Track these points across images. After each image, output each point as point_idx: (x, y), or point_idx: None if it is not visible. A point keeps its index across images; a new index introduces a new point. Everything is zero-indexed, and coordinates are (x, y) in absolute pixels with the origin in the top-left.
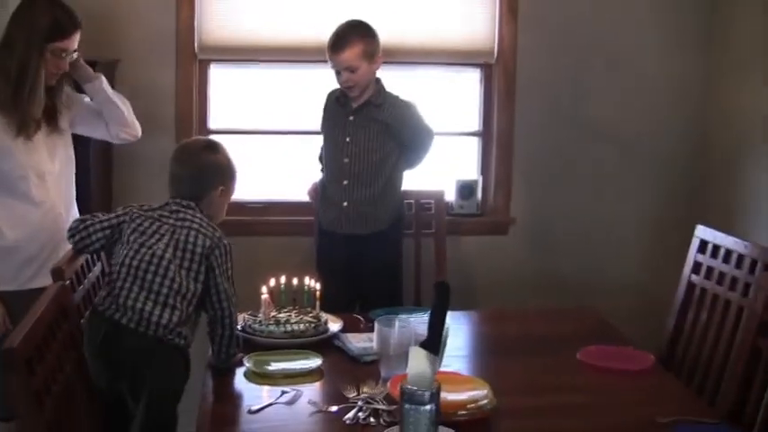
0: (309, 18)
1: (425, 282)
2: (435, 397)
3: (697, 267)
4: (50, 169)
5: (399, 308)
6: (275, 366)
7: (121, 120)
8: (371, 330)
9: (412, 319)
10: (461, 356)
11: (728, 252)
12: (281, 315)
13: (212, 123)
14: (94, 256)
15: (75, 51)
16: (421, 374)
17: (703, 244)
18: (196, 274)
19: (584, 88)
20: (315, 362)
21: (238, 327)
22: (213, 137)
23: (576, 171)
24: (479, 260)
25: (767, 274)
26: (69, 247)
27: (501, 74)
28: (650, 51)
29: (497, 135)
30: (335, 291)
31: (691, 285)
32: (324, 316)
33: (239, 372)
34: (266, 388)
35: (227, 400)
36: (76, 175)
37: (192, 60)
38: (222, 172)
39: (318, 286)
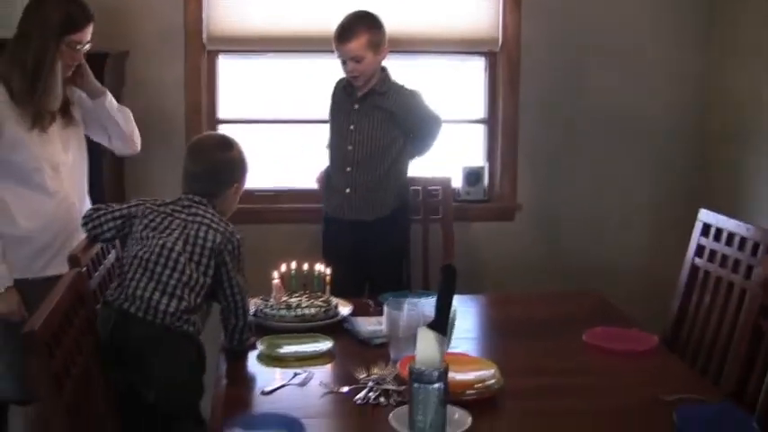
0: (316, 8)
1: (433, 266)
2: (443, 376)
3: (700, 250)
4: (64, 160)
5: (408, 292)
6: (287, 349)
7: (122, 136)
8: (381, 314)
9: (420, 302)
10: (469, 338)
11: (731, 235)
12: (292, 300)
13: (221, 113)
14: (109, 245)
15: (88, 43)
16: (429, 355)
17: (706, 227)
18: (205, 268)
19: (588, 75)
20: (326, 345)
21: (250, 311)
22: (222, 126)
23: (580, 157)
24: (486, 245)
25: None
26: (82, 236)
27: (505, 62)
28: (652, 38)
29: (502, 122)
30: (343, 276)
31: (694, 268)
32: (334, 300)
33: (252, 355)
34: (278, 370)
35: (241, 383)
36: (89, 166)
37: (201, 51)
38: (237, 169)
39: (329, 271)
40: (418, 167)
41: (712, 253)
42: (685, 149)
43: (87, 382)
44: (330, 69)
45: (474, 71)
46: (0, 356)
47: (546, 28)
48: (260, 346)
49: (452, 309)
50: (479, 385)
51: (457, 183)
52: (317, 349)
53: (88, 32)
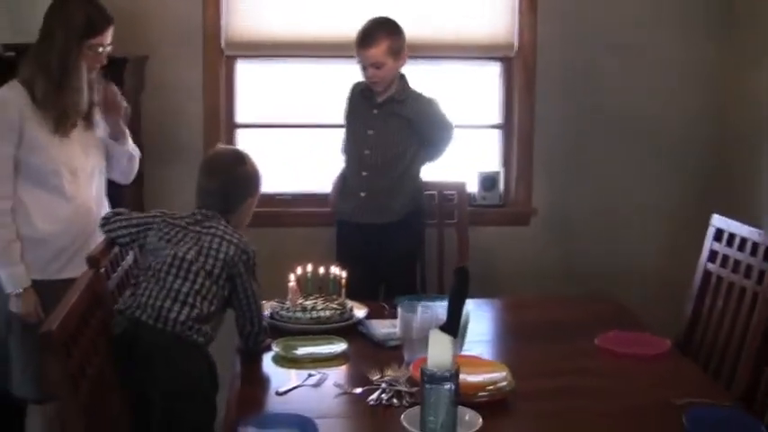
0: (334, 14)
1: (448, 270)
2: (454, 378)
3: (713, 256)
4: (83, 166)
5: (423, 295)
6: (302, 351)
7: (125, 172)
8: (395, 317)
9: (434, 305)
10: (483, 341)
11: (743, 240)
12: (307, 302)
13: (239, 117)
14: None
15: (109, 45)
16: (440, 356)
17: (719, 233)
18: (217, 278)
19: (604, 79)
20: (340, 347)
21: (266, 313)
22: (240, 130)
23: (595, 162)
24: (502, 250)
25: None
26: (99, 240)
27: (521, 67)
28: (669, 41)
29: (518, 127)
30: (357, 279)
31: (707, 273)
32: (349, 303)
33: (267, 356)
34: (293, 371)
35: (255, 383)
36: None
37: (219, 56)
38: (251, 185)
39: (344, 274)
40: (434, 172)
41: (725, 258)
42: (701, 153)
43: (102, 383)
44: (346, 74)
45: (490, 76)
46: (18, 356)
47: (561, 33)
48: (275, 348)
49: (465, 312)
50: (491, 387)
51: (473, 188)
52: (332, 351)
53: (109, 35)
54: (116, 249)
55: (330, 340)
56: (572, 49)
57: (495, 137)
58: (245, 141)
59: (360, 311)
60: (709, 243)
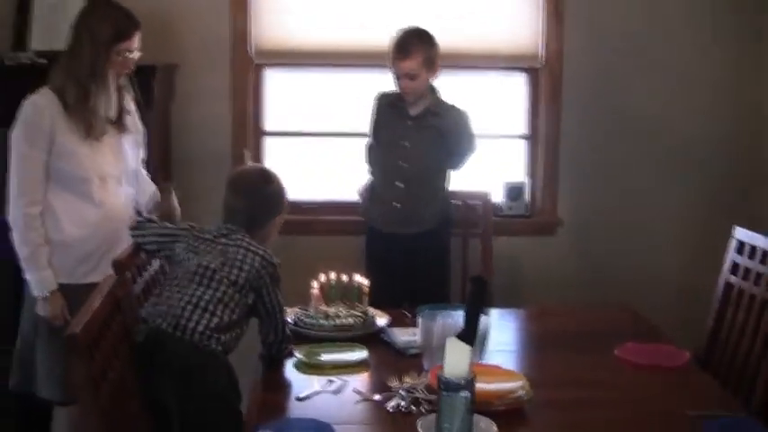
0: (360, 24)
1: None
2: (470, 385)
3: (735, 268)
4: (112, 172)
5: (446, 305)
6: (323, 358)
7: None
8: (417, 325)
9: (454, 314)
10: (505, 351)
11: (765, 253)
12: (330, 310)
13: (267, 125)
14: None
15: (137, 50)
16: (457, 364)
17: (740, 245)
18: (241, 288)
19: (629, 90)
20: (361, 354)
21: (290, 319)
22: (268, 138)
23: (621, 172)
24: (527, 260)
25: None
26: (126, 246)
27: (547, 77)
28: (695, 53)
29: (544, 138)
30: (385, 287)
31: (729, 286)
32: (371, 311)
33: (289, 362)
34: (314, 378)
35: (276, 389)
36: None
37: (248, 65)
38: (277, 204)
39: (366, 282)
40: (459, 182)
41: (747, 271)
42: (726, 165)
43: (122, 387)
44: (373, 83)
45: (516, 86)
46: (44, 359)
47: (588, 44)
48: (297, 355)
49: (486, 322)
50: (508, 396)
51: (498, 198)
52: (353, 358)
53: (136, 40)
54: (143, 255)
55: (352, 347)
56: (597, 59)
57: (521, 147)
58: (272, 149)
59: (382, 319)
60: (730, 255)
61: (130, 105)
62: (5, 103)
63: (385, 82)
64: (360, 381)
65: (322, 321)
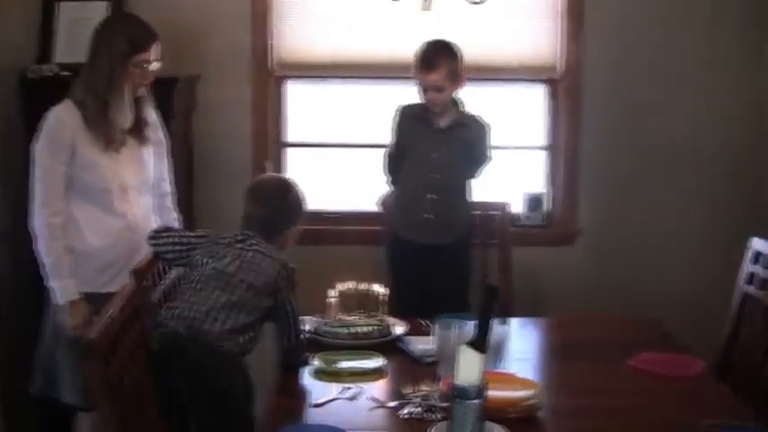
0: (380, 36)
1: None
2: (482, 392)
3: (751, 278)
4: (133, 183)
5: (465, 314)
6: (340, 365)
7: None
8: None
9: (471, 323)
10: (522, 360)
11: None
12: (348, 318)
13: (288, 137)
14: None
15: (156, 61)
16: (468, 372)
17: (757, 255)
18: (257, 291)
19: (648, 101)
20: (377, 362)
21: (308, 328)
22: (289, 149)
23: (640, 182)
24: (546, 270)
25: None
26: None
27: (566, 89)
28: (715, 65)
29: (564, 149)
30: (410, 297)
31: (745, 296)
32: (389, 320)
33: (306, 370)
34: (330, 385)
35: (292, 395)
36: None
37: (268, 77)
38: (294, 213)
39: (384, 291)
40: (479, 192)
41: (764, 281)
42: (747, 178)
43: (140, 392)
44: (394, 95)
45: (536, 97)
46: (67, 365)
47: (607, 55)
48: (314, 362)
49: (502, 330)
50: (521, 404)
51: (518, 208)
52: (369, 366)
53: (154, 51)
54: (161, 263)
55: (369, 355)
56: (617, 70)
57: (541, 158)
58: (293, 160)
59: (399, 328)
60: (746, 265)
61: (152, 116)
62: (29, 115)
63: (404, 93)
64: (375, 388)
65: (340, 330)
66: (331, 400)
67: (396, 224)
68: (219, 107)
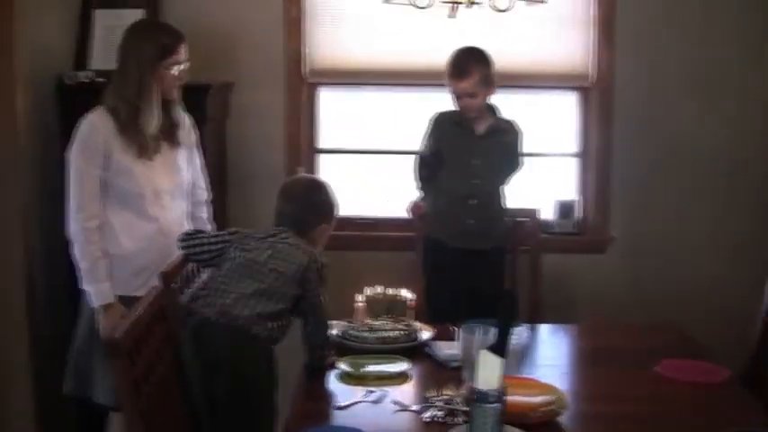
0: (412, 44)
1: (521, 298)
2: (501, 396)
3: None
4: (166, 187)
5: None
6: (366, 369)
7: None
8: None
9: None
10: (549, 366)
11: None
12: (375, 323)
13: (320, 143)
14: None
15: (186, 61)
16: (488, 376)
17: None
18: (288, 280)
19: (681, 111)
20: (403, 366)
21: (336, 332)
22: (321, 156)
23: (671, 190)
24: (578, 277)
25: None
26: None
27: (598, 97)
28: (747, 74)
29: (595, 156)
30: (442, 302)
31: None
32: (416, 324)
33: (332, 374)
34: (355, 388)
35: (317, 398)
36: None
37: (301, 83)
38: (324, 211)
39: (411, 296)
40: (511, 200)
41: None
42: None
43: (165, 391)
44: (425, 101)
45: (568, 105)
46: (101, 366)
47: (639, 63)
48: (340, 366)
49: (525, 336)
50: (542, 409)
51: (549, 215)
52: (395, 370)
53: (183, 52)
54: (190, 266)
55: (394, 360)
56: (648, 79)
57: (573, 165)
58: (326, 166)
59: (426, 333)
60: None
61: (183, 119)
62: (66, 121)
63: (435, 100)
64: (399, 391)
65: (366, 334)
66: (355, 403)
67: (433, 229)
68: (253, 114)
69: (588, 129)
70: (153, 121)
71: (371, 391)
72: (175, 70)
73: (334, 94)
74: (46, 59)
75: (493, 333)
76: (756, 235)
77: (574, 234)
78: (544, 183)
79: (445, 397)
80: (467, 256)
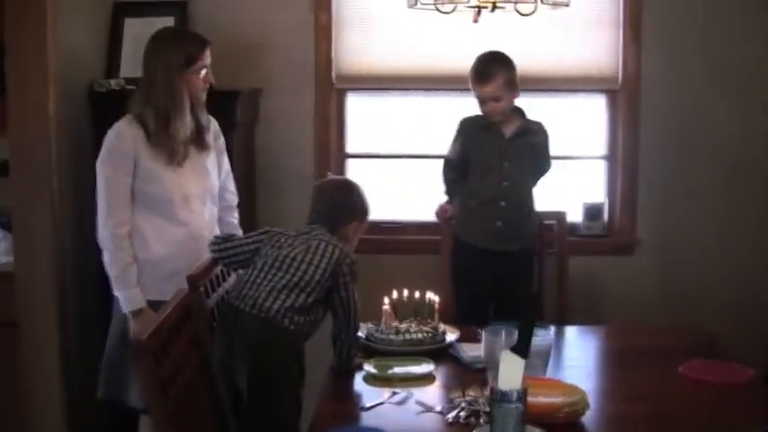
0: (439, 49)
1: (548, 300)
2: (522, 396)
3: None
4: (195, 192)
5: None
6: (392, 371)
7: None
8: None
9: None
10: (575, 367)
11: None
12: (401, 325)
13: (349, 148)
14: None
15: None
16: (511, 376)
17: None
18: (321, 274)
19: (708, 110)
20: (428, 367)
21: (362, 334)
22: (350, 161)
23: (700, 193)
24: (605, 279)
25: None
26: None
27: (626, 99)
28: None
29: (623, 158)
30: (471, 304)
31: None
32: (442, 327)
33: (358, 375)
34: (380, 390)
35: (343, 399)
36: None
37: (330, 89)
38: (354, 210)
39: (437, 299)
40: (540, 202)
41: None
42: None
43: (193, 394)
44: (452, 106)
45: (596, 108)
46: (133, 370)
47: (666, 65)
48: (367, 367)
49: (549, 337)
50: (565, 409)
51: (577, 218)
52: (420, 371)
53: (207, 56)
54: (218, 269)
55: (419, 361)
56: (676, 80)
57: (601, 168)
58: (354, 171)
59: (452, 335)
60: None
61: (210, 123)
62: (97, 128)
63: (462, 105)
64: (424, 393)
65: (392, 336)
66: (379, 404)
67: (462, 231)
68: (282, 119)
69: (616, 131)
70: (185, 126)
71: (396, 393)
72: (202, 74)
73: (362, 99)
74: (77, 67)
75: (516, 335)
76: None
77: (601, 236)
78: (572, 185)
79: (469, 398)
80: (495, 258)
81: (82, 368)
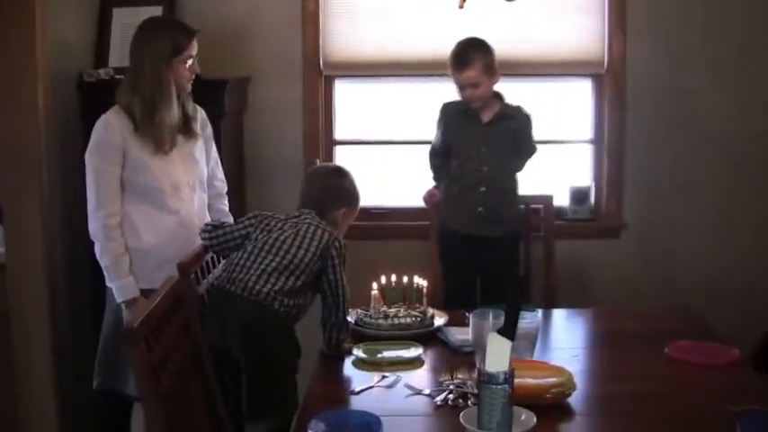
0: (425, 36)
1: (536, 283)
2: (509, 378)
3: None
4: (184, 181)
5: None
6: (380, 355)
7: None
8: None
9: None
10: (561, 348)
11: None
12: (390, 310)
13: (337, 135)
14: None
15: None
16: (497, 358)
17: None
18: (311, 257)
19: (694, 94)
20: (416, 351)
21: (351, 319)
22: (338, 147)
23: (686, 177)
24: (592, 263)
25: None
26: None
27: (611, 83)
28: (760, 59)
29: (609, 143)
30: (461, 288)
31: None
32: (430, 311)
33: (348, 360)
34: (370, 374)
35: (332, 383)
36: None
37: (318, 76)
38: (344, 195)
39: (425, 283)
40: (525, 186)
41: None
42: None
43: (184, 379)
44: (440, 92)
45: (582, 92)
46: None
47: (652, 50)
48: (356, 352)
49: (536, 320)
50: (552, 390)
51: (563, 202)
52: (409, 355)
53: (194, 46)
54: (208, 256)
55: (408, 345)
56: (662, 66)
57: (587, 152)
58: (343, 157)
59: (440, 319)
60: None
61: (196, 111)
62: (86, 118)
63: (449, 90)
64: (413, 376)
65: (381, 321)
66: (369, 388)
67: (446, 217)
68: (270, 107)
69: (602, 115)
70: (171, 115)
71: (385, 376)
72: (188, 64)
73: (350, 86)
74: (66, 57)
75: (503, 318)
76: None
77: (588, 220)
78: (558, 169)
79: (457, 381)
80: (478, 243)
81: (74, 359)
